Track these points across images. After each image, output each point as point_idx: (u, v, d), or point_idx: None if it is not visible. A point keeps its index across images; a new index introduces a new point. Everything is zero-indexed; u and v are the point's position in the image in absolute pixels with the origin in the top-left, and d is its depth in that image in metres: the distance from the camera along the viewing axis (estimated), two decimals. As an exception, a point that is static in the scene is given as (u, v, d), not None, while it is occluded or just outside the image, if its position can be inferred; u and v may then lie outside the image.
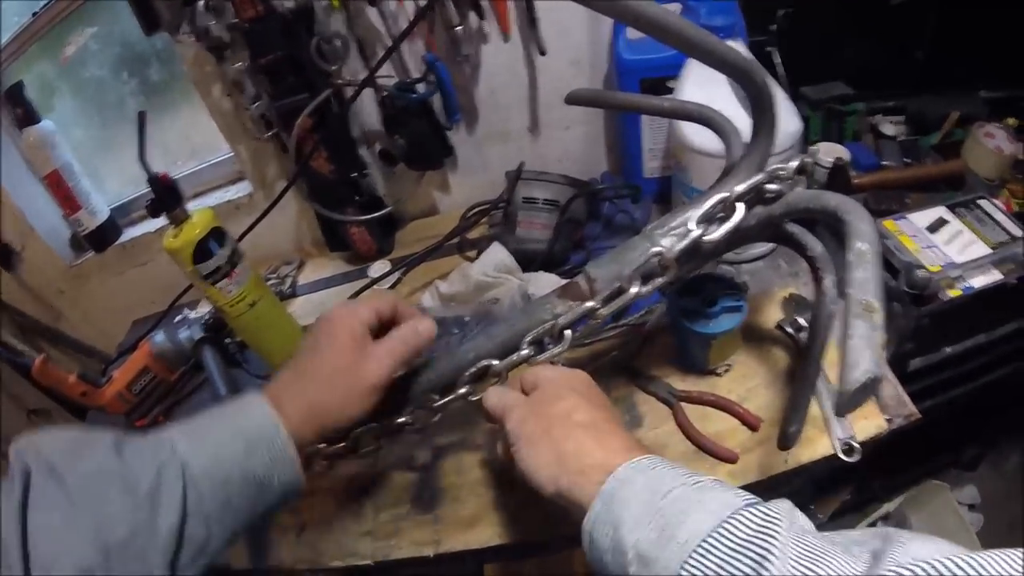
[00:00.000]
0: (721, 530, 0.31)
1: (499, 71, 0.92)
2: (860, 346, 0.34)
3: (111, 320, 1.14)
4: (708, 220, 0.49)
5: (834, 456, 0.57)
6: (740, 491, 0.35)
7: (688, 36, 0.43)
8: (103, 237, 1.08)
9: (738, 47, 0.74)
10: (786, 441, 0.54)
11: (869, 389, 0.34)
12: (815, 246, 0.53)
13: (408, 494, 0.61)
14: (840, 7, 0.93)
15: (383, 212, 0.95)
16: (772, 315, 0.70)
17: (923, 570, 0.25)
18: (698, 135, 0.71)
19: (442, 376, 0.55)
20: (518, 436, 0.44)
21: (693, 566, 0.30)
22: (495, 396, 0.49)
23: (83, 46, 0.98)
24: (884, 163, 0.94)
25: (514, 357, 0.52)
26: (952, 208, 0.84)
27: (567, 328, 0.51)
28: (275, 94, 0.84)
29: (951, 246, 0.79)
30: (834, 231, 0.45)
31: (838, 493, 1.35)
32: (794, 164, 0.51)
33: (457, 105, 0.91)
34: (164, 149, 1.09)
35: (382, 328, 0.52)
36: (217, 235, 0.76)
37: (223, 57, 0.81)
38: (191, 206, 0.73)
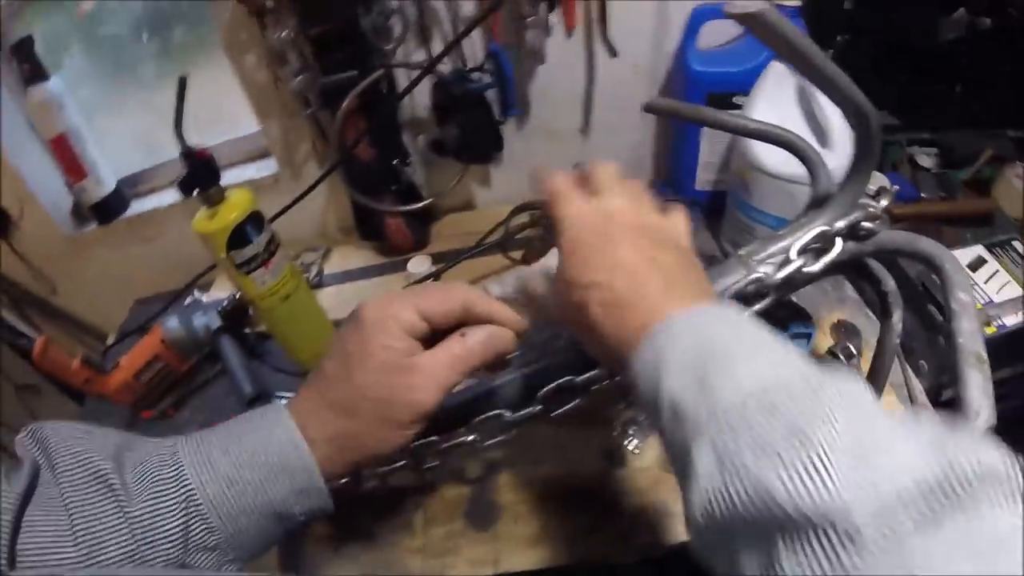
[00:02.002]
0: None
1: (557, 67, 0.88)
2: (978, 396, 0.36)
3: (109, 298, 1.07)
4: (805, 251, 0.49)
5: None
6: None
7: (824, 70, 0.42)
8: (109, 209, 1.01)
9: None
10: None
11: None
12: (889, 282, 0.53)
13: (461, 509, 0.59)
14: (892, 38, 0.93)
15: (425, 203, 0.91)
16: (823, 341, 0.70)
17: None
18: (769, 157, 0.70)
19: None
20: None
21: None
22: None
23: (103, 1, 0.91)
24: (922, 195, 0.95)
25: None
26: (989, 248, 0.86)
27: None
28: (322, 70, 0.78)
29: (989, 285, 0.82)
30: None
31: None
32: (884, 203, 0.51)
33: (515, 99, 0.87)
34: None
35: (441, 332, 0.40)
36: (255, 220, 0.71)
37: (266, 24, 0.76)
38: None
